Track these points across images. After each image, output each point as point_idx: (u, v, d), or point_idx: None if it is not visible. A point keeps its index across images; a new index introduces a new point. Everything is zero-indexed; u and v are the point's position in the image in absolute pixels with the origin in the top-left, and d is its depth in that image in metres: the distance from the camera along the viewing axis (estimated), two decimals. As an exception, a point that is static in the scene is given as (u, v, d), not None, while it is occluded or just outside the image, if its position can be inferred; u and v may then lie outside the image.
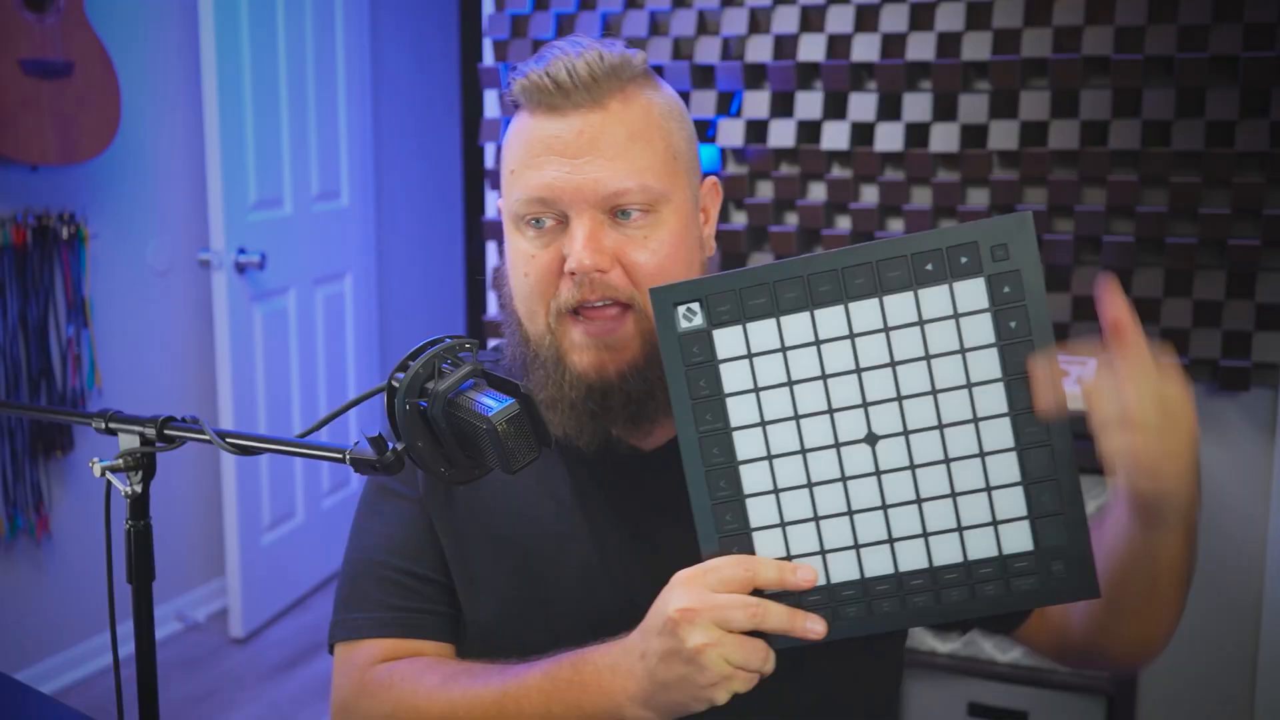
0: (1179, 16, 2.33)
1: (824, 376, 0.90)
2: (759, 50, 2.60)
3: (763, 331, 0.91)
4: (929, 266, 0.88)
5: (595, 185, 1.02)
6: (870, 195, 2.59)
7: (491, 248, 2.95)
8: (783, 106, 2.62)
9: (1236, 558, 2.50)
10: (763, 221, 2.63)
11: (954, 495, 0.90)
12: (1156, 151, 2.37)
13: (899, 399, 0.90)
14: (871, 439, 0.90)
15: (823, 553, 0.92)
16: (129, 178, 3.26)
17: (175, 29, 3.36)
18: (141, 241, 3.32)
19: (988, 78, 2.48)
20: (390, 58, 4.28)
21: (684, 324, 0.91)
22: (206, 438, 1.03)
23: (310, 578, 3.72)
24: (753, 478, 0.92)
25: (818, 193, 2.63)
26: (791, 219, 2.64)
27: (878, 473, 0.91)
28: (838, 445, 0.91)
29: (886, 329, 0.89)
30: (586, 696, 0.97)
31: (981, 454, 0.90)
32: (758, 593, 0.91)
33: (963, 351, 0.89)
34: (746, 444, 0.92)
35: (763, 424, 0.91)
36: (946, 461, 0.90)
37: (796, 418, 0.91)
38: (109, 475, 1.06)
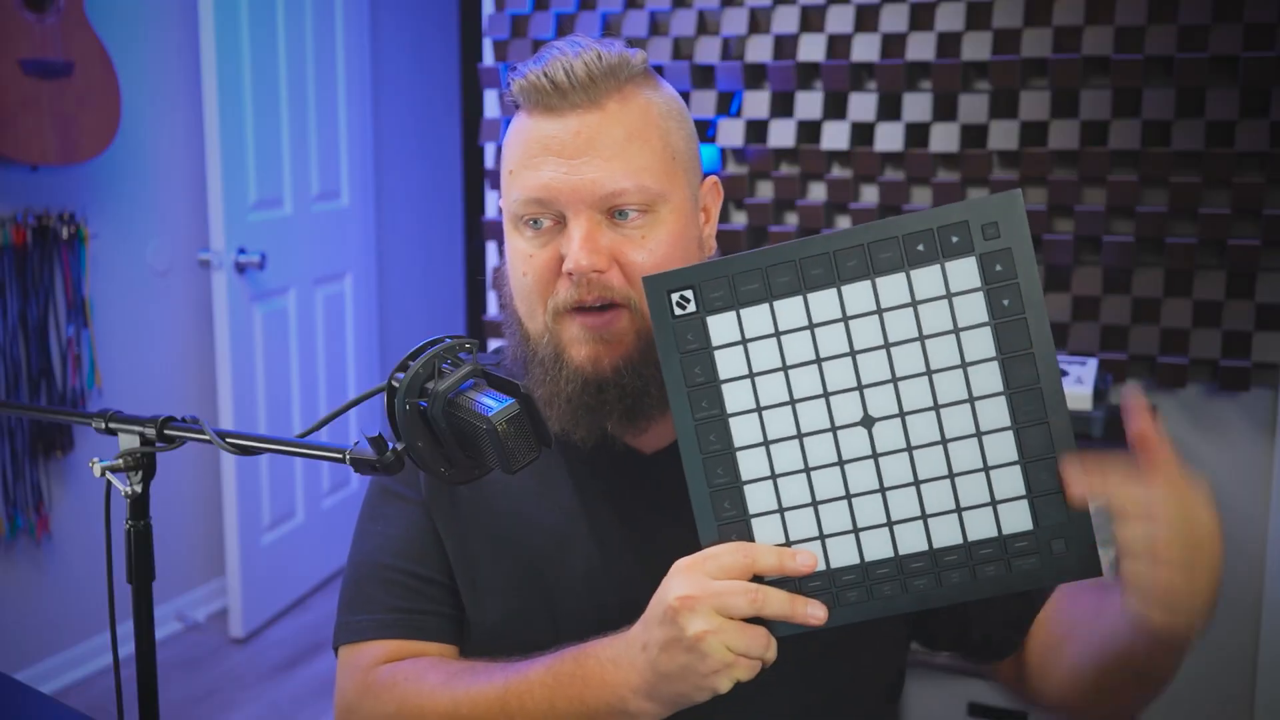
0: (1179, 16, 2.33)
1: (818, 360, 0.90)
2: (759, 50, 2.60)
3: (756, 317, 0.91)
4: (920, 247, 0.88)
5: (592, 186, 1.02)
6: (870, 195, 2.59)
7: (491, 248, 2.95)
8: (783, 106, 2.62)
9: (1236, 558, 2.50)
10: (763, 221, 2.63)
11: (952, 476, 0.90)
12: (1156, 151, 2.37)
13: (894, 381, 0.90)
14: (868, 421, 0.90)
15: (822, 537, 0.92)
16: (129, 178, 3.26)
17: (175, 29, 3.36)
18: (141, 241, 3.32)
19: (988, 78, 2.48)
20: (390, 58, 4.28)
21: (677, 311, 0.92)
22: (206, 438, 1.03)
23: (310, 578, 3.72)
24: (750, 464, 0.92)
25: (818, 193, 2.63)
26: (791, 219, 2.64)
27: (875, 455, 0.90)
28: (834, 429, 0.90)
29: (879, 311, 0.89)
30: (590, 690, 0.97)
31: (978, 433, 0.89)
32: (758, 579, 0.91)
33: (956, 331, 0.89)
34: (743, 430, 0.92)
35: (759, 409, 0.91)
36: (943, 442, 0.90)
37: (792, 402, 0.91)
38: (109, 475, 1.06)
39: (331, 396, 3.76)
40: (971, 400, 0.89)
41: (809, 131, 2.60)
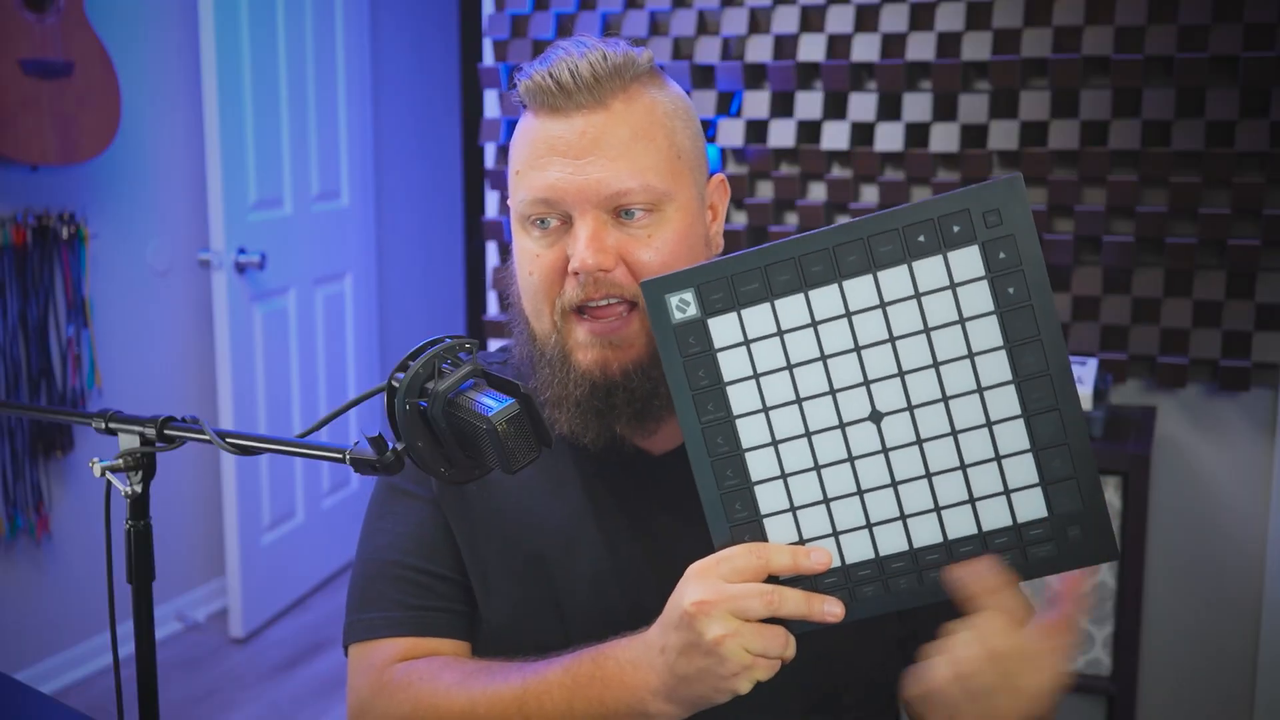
0: (1179, 16, 2.34)
1: (823, 357, 0.89)
2: (759, 50, 2.60)
3: (758, 317, 0.90)
4: (921, 238, 0.87)
5: (598, 185, 1.02)
6: (870, 195, 2.59)
7: (492, 248, 2.95)
8: (783, 106, 2.62)
9: (1236, 558, 2.50)
10: (763, 221, 2.63)
11: (964, 467, 0.89)
12: (1156, 151, 2.37)
13: (901, 374, 0.89)
14: (876, 417, 0.90)
15: (835, 534, 0.91)
16: (129, 178, 3.26)
17: (175, 29, 3.36)
18: (141, 241, 3.32)
19: (988, 78, 2.48)
20: (390, 58, 4.28)
21: (678, 315, 0.91)
22: (206, 438, 1.03)
23: (310, 578, 3.72)
24: (759, 464, 0.91)
25: (818, 193, 2.63)
26: (791, 219, 2.64)
27: (885, 450, 0.90)
28: (842, 425, 0.90)
29: (883, 304, 0.88)
30: (609, 692, 0.97)
31: (989, 423, 0.88)
32: (773, 579, 0.91)
33: (962, 321, 0.88)
34: (750, 431, 0.91)
35: (765, 410, 0.91)
36: (954, 434, 0.89)
37: (799, 401, 0.90)
38: (109, 475, 1.06)
39: (331, 396, 3.76)
40: (980, 390, 0.88)
41: (809, 131, 2.60)
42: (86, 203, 3.12)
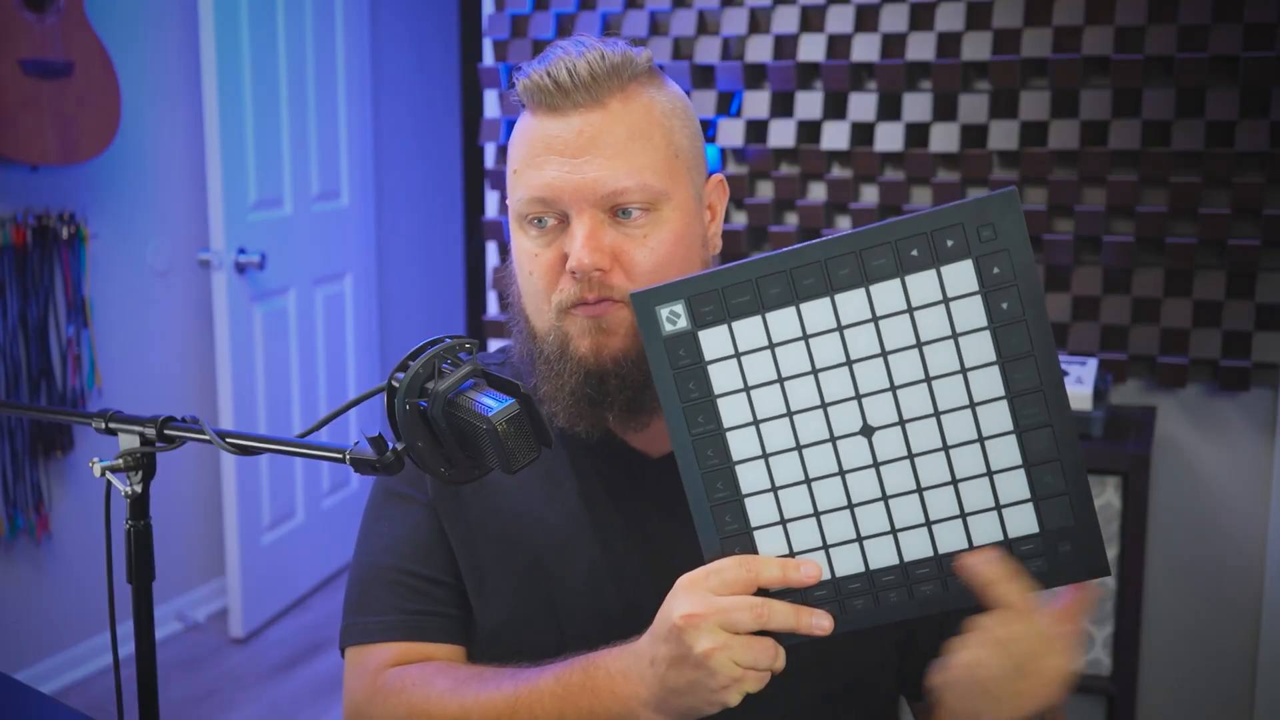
0: (1179, 16, 2.33)
1: (814, 371, 0.89)
2: (759, 50, 2.60)
3: (749, 329, 0.89)
4: (914, 252, 0.86)
5: (595, 184, 1.02)
6: (870, 195, 2.59)
7: (492, 248, 2.95)
8: (783, 106, 2.62)
9: (1236, 558, 2.50)
10: (763, 221, 2.63)
11: (955, 482, 0.89)
12: (1156, 151, 2.37)
13: (893, 389, 0.88)
14: (867, 431, 0.89)
15: (825, 547, 0.91)
16: (129, 178, 3.26)
17: (175, 29, 3.36)
18: (141, 241, 3.32)
19: (988, 78, 2.48)
20: (390, 58, 4.28)
21: (668, 327, 0.90)
22: (206, 438, 1.03)
23: (310, 578, 3.72)
24: (750, 477, 0.91)
25: (818, 193, 2.63)
26: (791, 219, 2.64)
27: (876, 464, 0.90)
28: (833, 439, 0.90)
29: (875, 318, 0.88)
30: (599, 702, 0.97)
31: (980, 438, 0.88)
32: (763, 592, 0.91)
33: (955, 336, 0.87)
34: (741, 444, 0.91)
35: (755, 423, 0.90)
36: (945, 449, 0.89)
37: (790, 414, 0.90)
38: (109, 475, 1.06)
39: (331, 396, 3.76)
40: (972, 406, 0.88)
41: (809, 131, 2.60)
42: (86, 203, 3.12)
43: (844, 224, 2.61)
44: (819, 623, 0.90)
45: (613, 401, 1.06)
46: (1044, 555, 0.89)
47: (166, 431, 1.06)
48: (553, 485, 1.14)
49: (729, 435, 0.91)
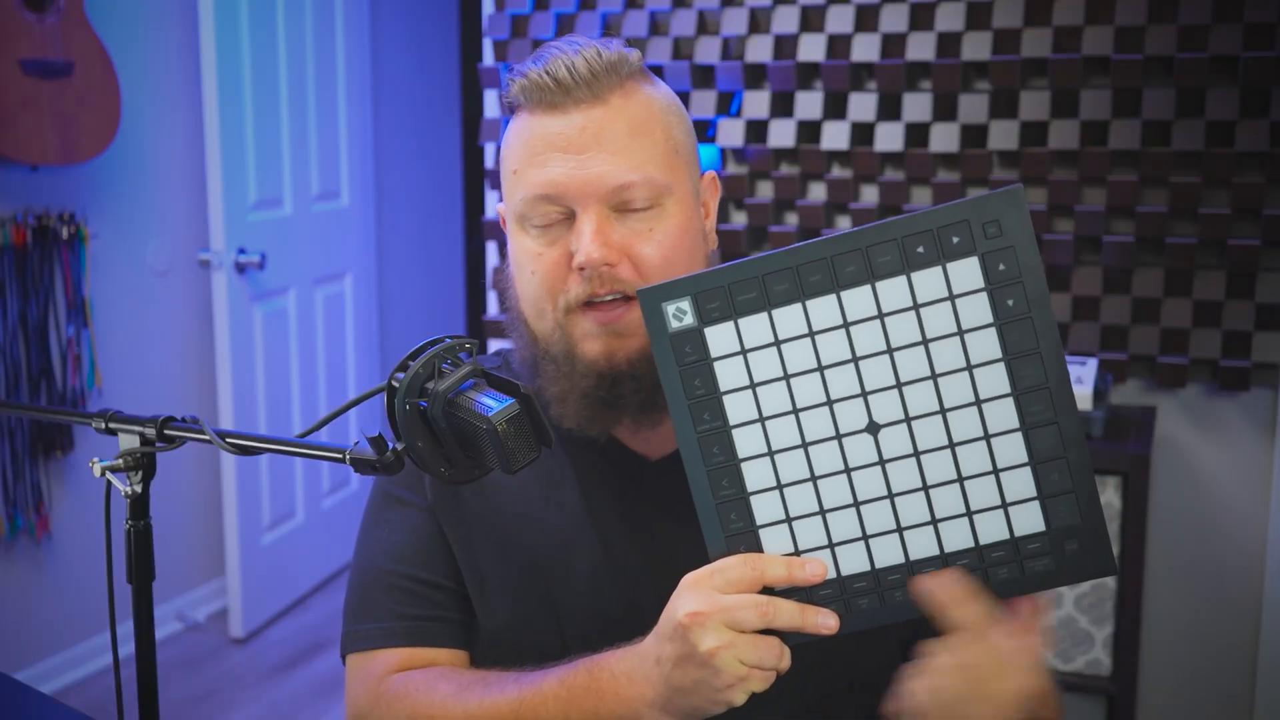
0: (1179, 16, 2.33)
1: (820, 368, 0.89)
2: (759, 50, 2.60)
3: (755, 326, 0.89)
4: (920, 249, 0.86)
5: (600, 179, 1.02)
6: (870, 195, 2.59)
7: (491, 248, 2.95)
8: (783, 106, 2.62)
9: (1236, 558, 2.50)
10: (763, 221, 2.63)
11: (961, 480, 0.89)
12: (1156, 151, 2.37)
13: (898, 386, 0.88)
14: (873, 428, 0.89)
15: (831, 546, 0.91)
16: (129, 178, 3.26)
17: (175, 29, 3.36)
18: (141, 241, 3.32)
19: (988, 78, 2.48)
20: (390, 58, 4.28)
21: (674, 324, 0.90)
22: (206, 438, 1.03)
23: (310, 578, 3.72)
24: (755, 474, 0.91)
25: (818, 193, 2.63)
26: (791, 219, 2.64)
27: (881, 462, 0.89)
28: (839, 436, 0.89)
29: (881, 315, 0.88)
30: (604, 704, 0.97)
31: (986, 436, 0.88)
32: (768, 590, 0.90)
33: (961, 333, 0.87)
34: (746, 441, 0.91)
35: (761, 420, 0.90)
36: (951, 446, 0.88)
37: (795, 411, 0.90)
38: (109, 475, 1.06)
39: (331, 396, 3.76)
40: (978, 403, 0.88)
41: (809, 131, 2.60)
42: (86, 203, 3.12)
43: (844, 224, 2.61)
44: (825, 622, 0.90)
45: (627, 403, 1.05)
46: (1051, 554, 0.89)
47: (166, 431, 1.06)
48: (552, 486, 1.14)
49: (734, 432, 0.91)
